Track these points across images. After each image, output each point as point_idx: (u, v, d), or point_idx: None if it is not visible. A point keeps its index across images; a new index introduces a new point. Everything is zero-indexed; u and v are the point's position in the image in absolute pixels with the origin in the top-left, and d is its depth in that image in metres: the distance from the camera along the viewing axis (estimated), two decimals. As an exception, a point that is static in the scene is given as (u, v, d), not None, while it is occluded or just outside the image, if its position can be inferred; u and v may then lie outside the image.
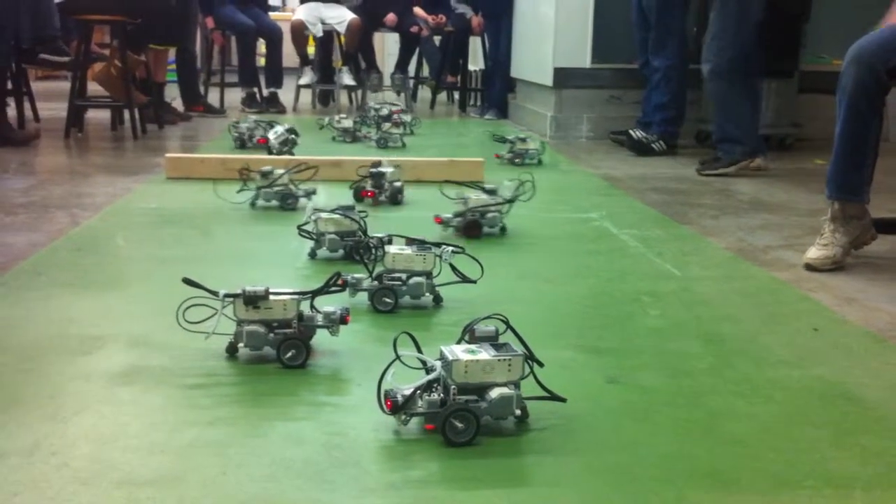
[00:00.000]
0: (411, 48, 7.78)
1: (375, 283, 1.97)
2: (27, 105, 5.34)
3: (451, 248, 2.03)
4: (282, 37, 6.91)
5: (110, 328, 1.85)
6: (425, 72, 8.25)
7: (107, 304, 2.04)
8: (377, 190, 3.23)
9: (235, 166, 3.49)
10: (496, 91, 6.94)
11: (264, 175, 3.13)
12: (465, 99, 7.59)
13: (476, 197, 2.79)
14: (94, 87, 5.22)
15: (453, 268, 2.04)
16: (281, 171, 3.14)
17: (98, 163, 4.20)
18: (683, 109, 4.84)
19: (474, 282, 2.07)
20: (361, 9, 7.40)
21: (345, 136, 5.02)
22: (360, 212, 2.41)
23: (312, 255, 2.43)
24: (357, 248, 2.22)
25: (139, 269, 2.35)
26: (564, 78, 5.49)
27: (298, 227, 2.42)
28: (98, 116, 5.38)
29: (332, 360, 1.67)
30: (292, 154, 4.07)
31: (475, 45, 7.59)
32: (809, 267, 2.47)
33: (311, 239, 2.41)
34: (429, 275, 2.01)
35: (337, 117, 5.14)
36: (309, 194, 3.14)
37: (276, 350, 1.63)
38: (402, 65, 7.81)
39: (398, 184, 3.24)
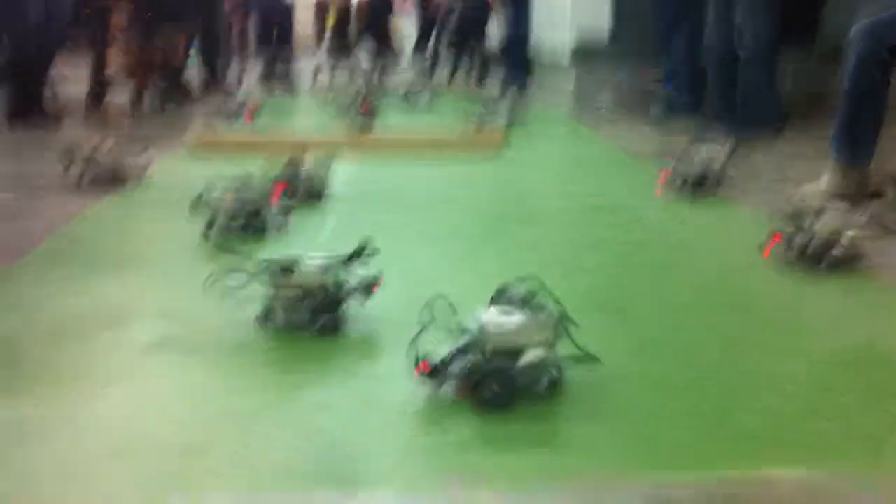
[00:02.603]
0: (429, 25, 7.74)
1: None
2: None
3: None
4: (292, 14, 6.95)
5: (139, 302, 1.86)
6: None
7: (135, 279, 2.04)
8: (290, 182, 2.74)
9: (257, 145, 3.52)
10: (517, 68, 6.89)
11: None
12: (485, 76, 7.52)
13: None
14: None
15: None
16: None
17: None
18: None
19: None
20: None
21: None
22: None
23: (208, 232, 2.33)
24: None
25: (164, 246, 2.35)
26: (582, 56, 5.48)
27: (191, 206, 2.35)
28: (116, 100, 5.38)
29: (363, 327, 1.67)
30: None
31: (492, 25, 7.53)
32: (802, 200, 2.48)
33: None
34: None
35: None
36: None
37: (309, 317, 1.63)
38: (421, 42, 7.79)
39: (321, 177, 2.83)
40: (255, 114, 4.67)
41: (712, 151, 2.94)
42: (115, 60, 5.11)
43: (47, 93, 4.81)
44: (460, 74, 7.58)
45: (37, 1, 4.34)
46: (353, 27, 7.77)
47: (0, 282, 1.99)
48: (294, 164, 2.76)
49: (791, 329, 1.71)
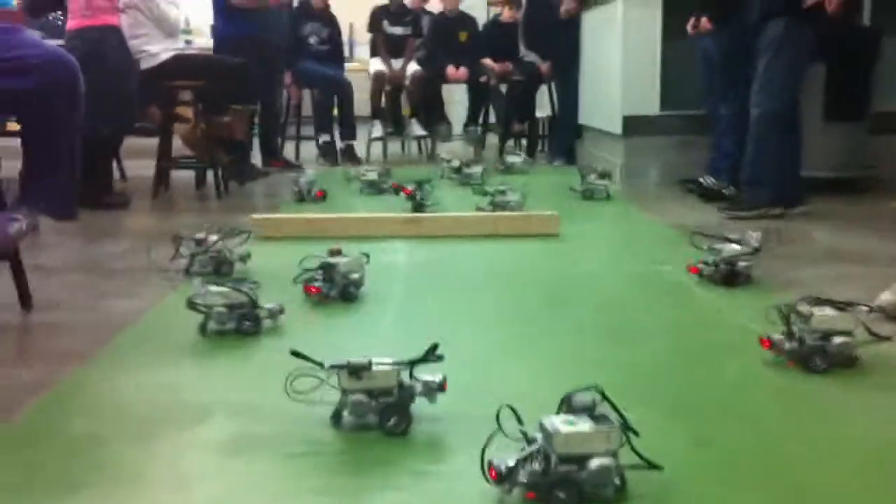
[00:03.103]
0: (481, 99, 7.90)
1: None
2: (115, 165, 5.57)
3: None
4: (353, 91, 7.12)
5: (216, 396, 1.94)
6: (492, 120, 8.37)
7: (210, 371, 2.14)
8: (327, 284, 2.73)
9: (321, 226, 3.65)
10: (564, 138, 7.04)
11: (198, 242, 3.10)
12: (534, 146, 7.66)
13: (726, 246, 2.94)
14: (178, 146, 5.43)
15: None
16: (214, 237, 3.10)
17: (186, 223, 4.37)
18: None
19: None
20: (428, 61, 7.60)
21: (370, 188, 5.11)
22: (252, 283, 2.44)
23: (203, 329, 2.37)
24: (245, 321, 2.36)
25: (238, 337, 2.44)
26: (633, 125, 5.56)
27: (188, 301, 2.38)
28: (182, 175, 5.57)
29: (432, 427, 1.74)
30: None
31: (542, 94, 7.68)
32: (880, 309, 2.47)
33: (201, 313, 2.37)
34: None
35: (363, 169, 5.33)
36: (243, 258, 3.12)
37: (379, 417, 1.71)
38: (473, 116, 7.95)
39: (355, 276, 2.74)
40: (325, 192, 4.82)
41: (741, 243, 2.95)
42: (181, 137, 5.32)
43: (116, 175, 5.03)
44: (510, 147, 7.72)
45: (106, 83, 4.54)
46: (405, 99, 7.95)
47: (78, 370, 2.10)
48: (329, 265, 2.74)
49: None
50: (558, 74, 7.07)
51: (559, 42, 6.91)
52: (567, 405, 1.47)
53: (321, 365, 1.74)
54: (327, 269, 2.72)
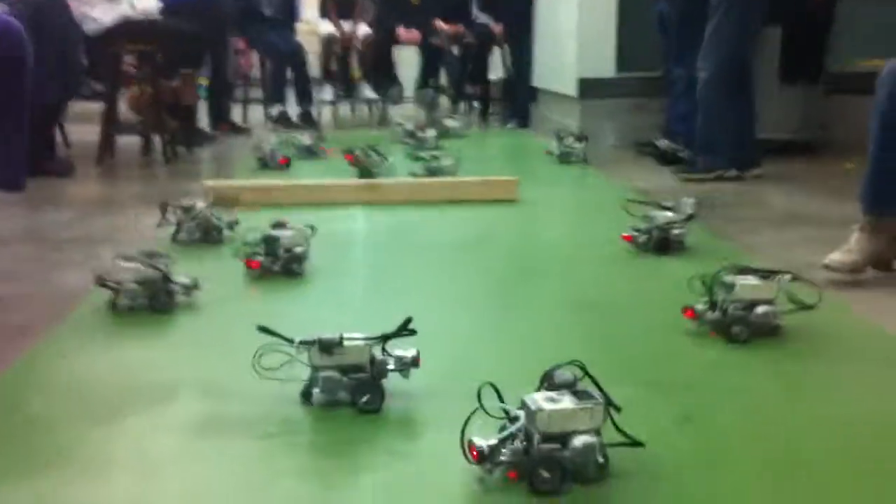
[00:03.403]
0: (433, 61, 7.81)
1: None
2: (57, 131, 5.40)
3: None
4: (307, 58, 6.99)
5: (181, 374, 1.88)
6: (444, 82, 8.29)
7: (174, 349, 2.07)
8: (269, 258, 2.59)
9: (275, 193, 3.57)
10: (518, 101, 6.99)
11: (186, 210, 3.04)
12: (487, 109, 7.60)
13: (659, 214, 2.91)
14: (123, 112, 5.28)
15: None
16: (201, 203, 3.06)
17: (134, 192, 4.26)
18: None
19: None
20: (378, 23, 7.48)
21: (305, 153, 5.04)
22: (166, 256, 2.36)
23: (113, 306, 2.27)
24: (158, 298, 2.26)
25: (199, 311, 2.37)
26: (589, 88, 5.53)
27: (97, 278, 2.27)
28: (128, 141, 5.42)
29: (405, 404, 1.69)
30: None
31: (495, 56, 7.61)
32: (828, 268, 2.49)
33: (111, 289, 2.26)
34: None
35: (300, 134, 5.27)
36: (231, 225, 3.05)
37: (351, 394, 1.66)
38: (425, 79, 7.86)
39: (299, 249, 2.61)
40: (289, 159, 4.70)
41: (675, 210, 2.94)
42: (128, 102, 5.17)
43: (59, 140, 4.87)
44: (462, 109, 7.66)
45: (50, 49, 4.38)
46: (355, 61, 7.82)
47: (34, 347, 2.01)
48: (271, 238, 2.61)
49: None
50: (512, 36, 7.00)
51: (512, 3, 6.84)
52: (548, 382, 1.44)
53: (290, 341, 1.68)
54: (269, 242, 2.59)
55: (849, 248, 2.52)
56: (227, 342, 2.05)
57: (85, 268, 2.64)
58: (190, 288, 2.34)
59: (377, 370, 1.68)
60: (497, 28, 7.21)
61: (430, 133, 5.45)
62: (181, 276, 2.33)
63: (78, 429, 1.61)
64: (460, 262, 2.88)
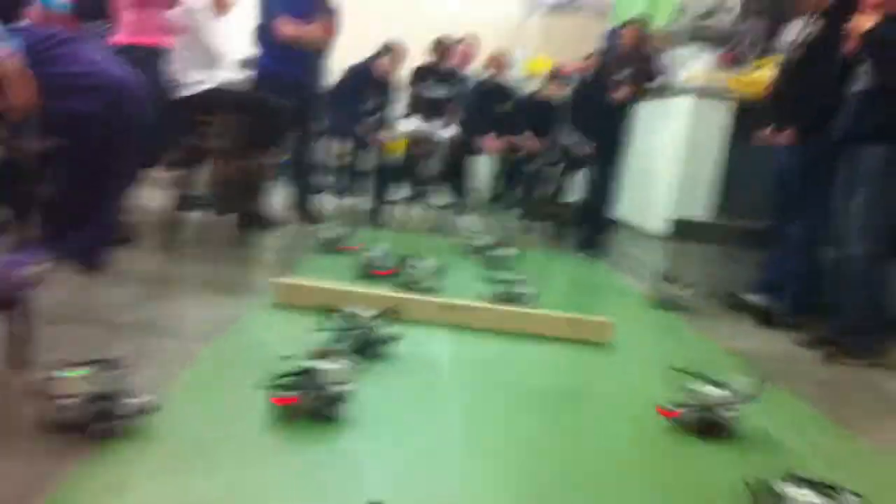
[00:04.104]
0: (512, 174, 7.62)
1: None
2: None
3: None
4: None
5: None
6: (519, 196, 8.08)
7: (229, 482, 1.76)
8: (302, 394, 2.18)
9: (344, 298, 3.28)
10: (595, 230, 6.69)
11: (349, 317, 2.83)
12: (559, 232, 7.33)
13: (705, 389, 2.50)
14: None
15: None
16: (367, 313, 2.85)
17: (202, 274, 4.00)
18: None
19: None
20: (465, 127, 7.33)
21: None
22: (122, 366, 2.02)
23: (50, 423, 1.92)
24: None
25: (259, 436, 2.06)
26: (681, 229, 5.24)
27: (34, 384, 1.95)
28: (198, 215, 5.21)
29: None
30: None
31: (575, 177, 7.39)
32: None
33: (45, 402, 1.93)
34: None
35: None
36: (394, 339, 2.87)
37: None
38: (500, 190, 7.67)
39: (339, 389, 2.20)
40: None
41: (726, 387, 2.54)
42: (212, 175, 4.93)
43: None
44: (535, 229, 7.41)
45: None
46: (431, 164, 7.66)
47: (76, 475, 1.71)
48: (310, 370, 2.20)
49: None
50: (600, 160, 6.75)
51: (608, 126, 6.61)
52: None
53: None
54: (306, 375, 2.16)
55: None
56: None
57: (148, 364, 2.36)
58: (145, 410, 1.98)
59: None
60: (588, 149, 6.98)
61: (509, 251, 5.18)
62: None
63: None
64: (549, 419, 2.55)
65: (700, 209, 5.21)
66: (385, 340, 2.87)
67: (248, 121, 4.65)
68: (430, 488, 1.91)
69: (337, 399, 2.18)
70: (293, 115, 5.11)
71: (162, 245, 4.51)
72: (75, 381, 1.90)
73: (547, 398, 2.71)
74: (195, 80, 4.56)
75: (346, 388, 2.20)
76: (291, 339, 2.86)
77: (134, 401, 1.95)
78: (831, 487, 1.80)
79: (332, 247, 4.88)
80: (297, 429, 2.13)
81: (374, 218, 6.69)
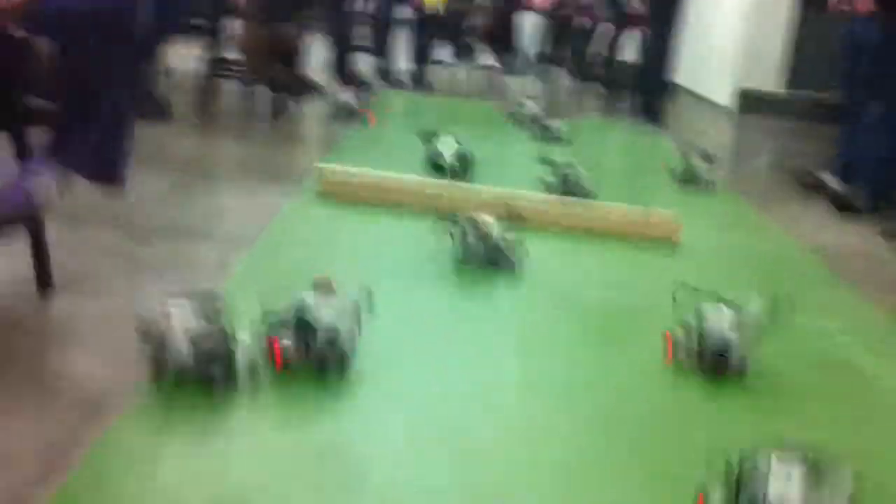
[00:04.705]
0: (560, 34, 7.18)
1: None
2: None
3: None
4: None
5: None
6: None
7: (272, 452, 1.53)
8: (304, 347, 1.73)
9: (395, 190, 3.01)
10: (652, 94, 6.24)
11: (474, 225, 2.51)
12: (613, 98, 6.90)
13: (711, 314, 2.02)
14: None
15: None
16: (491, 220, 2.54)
17: (236, 156, 3.74)
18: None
19: None
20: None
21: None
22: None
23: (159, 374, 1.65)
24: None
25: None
26: (750, 102, 4.86)
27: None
28: (231, 85, 4.90)
29: None
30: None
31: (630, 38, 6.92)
32: None
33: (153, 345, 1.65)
34: None
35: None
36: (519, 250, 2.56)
37: None
38: (548, 52, 7.26)
39: (341, 336, 1.75)
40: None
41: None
42: (240, 45, 4.64)
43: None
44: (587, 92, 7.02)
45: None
46: (475, 20, 7.22)
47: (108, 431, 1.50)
48: (304, 315, 1.74)
49: None
50: (655, 19, 6.24)
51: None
52: None
53: None
54: (300, 321, 1.73)
55: None
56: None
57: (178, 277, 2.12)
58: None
59: None
60: (640, 8, 6.50)
61: (559, 124, 4.86)
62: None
63: None
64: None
65: (769, 80, 4.80)
66: (512, 250, 2.56)
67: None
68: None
69: (339, 358, 1.76)
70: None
71: (197, 118, 4.24)
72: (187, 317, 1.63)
73: (607, 318, 2.44)
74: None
75: (346, 342, 1.76)
76: (340, 245, 2.62)
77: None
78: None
79: (345, 113, 4.64)
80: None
81: (417, 81, 6.33)
